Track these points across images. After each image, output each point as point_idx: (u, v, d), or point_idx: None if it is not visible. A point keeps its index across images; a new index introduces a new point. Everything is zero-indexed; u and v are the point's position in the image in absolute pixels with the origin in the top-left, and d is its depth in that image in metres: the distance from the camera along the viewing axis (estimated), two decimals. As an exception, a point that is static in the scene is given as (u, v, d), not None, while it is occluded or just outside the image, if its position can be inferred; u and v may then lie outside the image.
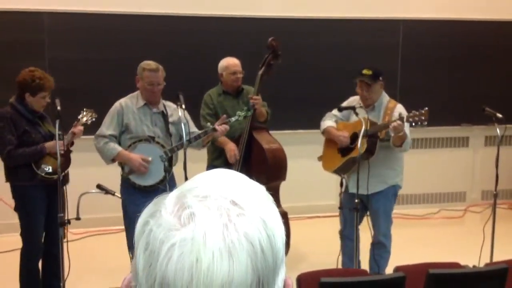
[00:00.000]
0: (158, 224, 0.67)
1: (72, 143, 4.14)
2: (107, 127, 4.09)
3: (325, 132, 4.50)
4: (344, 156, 4.36)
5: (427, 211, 6.88)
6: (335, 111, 4.51)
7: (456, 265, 3.53)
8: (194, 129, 4.31)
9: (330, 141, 4.50)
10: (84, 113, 4.16)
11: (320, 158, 4.64)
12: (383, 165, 4.22)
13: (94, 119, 4.16)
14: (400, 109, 4.25)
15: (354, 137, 4.29)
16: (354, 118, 4.35)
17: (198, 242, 0.64)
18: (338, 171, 4.46)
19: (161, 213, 0.68)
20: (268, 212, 0.70)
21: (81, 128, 4.06)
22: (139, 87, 4.15)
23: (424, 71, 6.71)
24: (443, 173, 7.06)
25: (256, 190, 0.73)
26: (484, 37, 6.82)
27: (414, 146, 6.88)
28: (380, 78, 4.28)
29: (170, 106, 4.20)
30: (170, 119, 4.10)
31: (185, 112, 4.13)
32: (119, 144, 4.12)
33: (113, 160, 4.13)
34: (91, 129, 4.22)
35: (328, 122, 4.48)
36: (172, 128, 4.11)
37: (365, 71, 4.25)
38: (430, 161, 6.99)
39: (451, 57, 6.78)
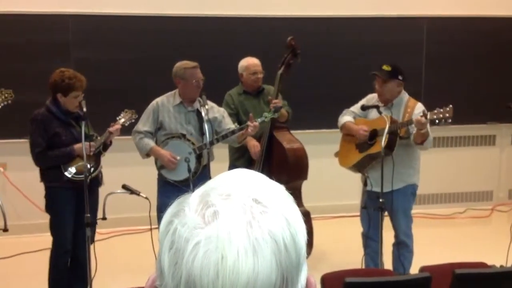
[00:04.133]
0: (183, 223, 0.68)
1: (110, 143, 4.15)
2: (143, 124, 4.33)
3: (343, 127, 4.48)
4: (362, 152, 4.34)
5: (453, 210, 6.79)
6: (353, 108, 4.50)
7: (482, 265, 3.48)
8: (231, 125, 4.37)
9: (347, 137, 4.48)
10: (124, 113, 4.20)
11: (336, 154, 4.62)
12: (402, 164, 4.16)
13: (133, 120, 4.23)
14: (420, 107, 4.22)
15: (373, 134, 4.28)
16: (373, 115, 4.33)
17: (222, 239, 0.65)
18: (355, 167, 4.44)
19: (185, 212, 0.69)
20: (290, 210, 0.71)
21: (117, 127, 4.07)
22: (180, 87, 4.32)
23: (449, 69, 6.63)
24: (470, 172, 6.97)
25: (277, 189, 0.74)
26: (509, 33, 6.71)
27: (440, 144, 6.81)
28: (400, 77, 4.25)
29: (208, 104, 4.27)
30: (206, 117, 4.15)
31: (224, 110, 4.43)
32: (156, 140, 4.31)
33: (147, 155, 4.34)
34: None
35: (346, 117, 4.47)
36: (208, 126, 4.16)
37: (384, 67, 4.24)
38: (456, 160, 6.91)
39: (476, 54, 6.69)
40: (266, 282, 0.65)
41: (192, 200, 0.71)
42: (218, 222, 0.66)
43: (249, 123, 4.22)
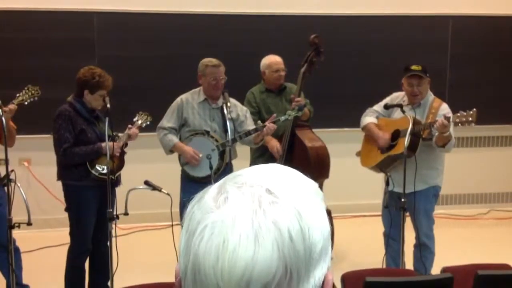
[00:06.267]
0: (199, 207, 0.71)
1: (126, 144, 4.17)
2: (168, 120, 4.36)
3: (365, 128, 4.46)
4: (384, 153, 4.31)
5: (477, 211, 6.72)
6: (376, 107, 4.46)
7: (506, 266, 3.43)
8: (252, 126, 4.37)
9: (369, 136, 4.46)
10: (139, 115, 4.22)
11: (358, 154, 4.60)
12: (424, 165, 4.12)
13: (148, 123, 4.24)
14: (445, 108, 4.17)
15: (395, 135, 4.24)
16: (396, 114, 4.30)
17: (227, 224, 0.67)
18: (377, 168, 4.41)
19: (204, 198, 0.72)
20: (307, 205, 0.71)
21: (136, 131, 4.10)
22: (201, 83, 4.34)
23: (474, 68, 6.55)
24: (494, 172, 6.88)
25: (302, 184, 0.74)
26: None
27: (464, 144, 6.74)
28: (427, 75, 4.22)
29: (231, 101, 4.29)
30: (229, 115, 4.16)
31: (247, 110, 4.44)
32: (180, 136, 4.35)
33: (171, 151, 4.37)
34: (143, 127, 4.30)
35: (369, 118, 4.44)
36: (230, 124, 4.17)
37: (414, 67, 4.19)
38: (480, 160, 6.82)
39: (502, 54, 6.59)
40: (264, 270, 0.65)
41: (212, 188, 0.74)
42: (226, 207, 0.68)
43: (267, 122, 4.22)
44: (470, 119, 3.81)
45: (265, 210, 0.67)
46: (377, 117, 4.44)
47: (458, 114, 3.86)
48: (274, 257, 0.66)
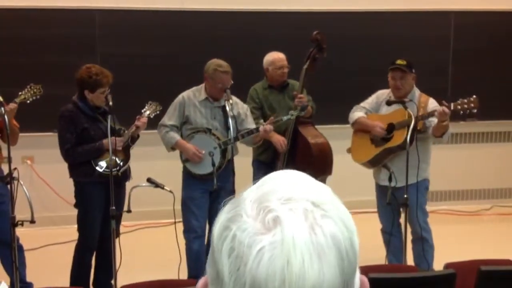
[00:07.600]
0: (242, 229, 0.67)
1: (137, 136, 4.18)
2: (169, 118, 4.36)
3: (356, 123, 4.46)
4: (379, 146, 4.30)
5: (480, 207, 6.71)
6: (364, 104, 4.49)
7: (508, 262, 3.44)
8: (252, 125, 4.39)
9: (359, 132, 4.46)
10: (148, 106, 4.21)
11: (349, 150, 4.60)
12: (416, 158, 4.11)
13: (158, 112, 4.24)
14: (433, 102, 4.20)
15: (389, 128, 4.25)
16: (384, 110, 4.31)
17: (287, 245, 0.65)
18: (370, 163, 4.40)
19: (243, 217, 0.68)
20: (344, 211, 0.71)
21: (144, 120, 4.09)
22: (206, 84, 4.31)
23: (477, 64, 6.54)
24: (496, 168, 6.86)
25: (328, 190, 0.73)
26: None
27: (467, 140, 6.73)
28: (413, 71, 4.23)
29: (232, 99, 4.28)
30: (231, 113, 4.16)
31: (247, 108, 4.45)
32: (181, 134, 4.35)
33: (173, 148, 4.38)
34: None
35: (358, 113, 4.46)
36: (232, 121, 4.17)
37: (399, 61, 4.23)
38: (483, 156, 6.81)
39: (504, 49, 6.58)
40: (330, 287, 0.65)
41: (248, 205, 0.70)
42: (281, 227, 0.66)
43: (265, 124, 4.24)
44: (472, 105, 3.81)
45: (322, 226, 0.67)
46: (365, 113, 4.45)
47: (459, 101, 3.87)
48: (337, 273, 0.66)
